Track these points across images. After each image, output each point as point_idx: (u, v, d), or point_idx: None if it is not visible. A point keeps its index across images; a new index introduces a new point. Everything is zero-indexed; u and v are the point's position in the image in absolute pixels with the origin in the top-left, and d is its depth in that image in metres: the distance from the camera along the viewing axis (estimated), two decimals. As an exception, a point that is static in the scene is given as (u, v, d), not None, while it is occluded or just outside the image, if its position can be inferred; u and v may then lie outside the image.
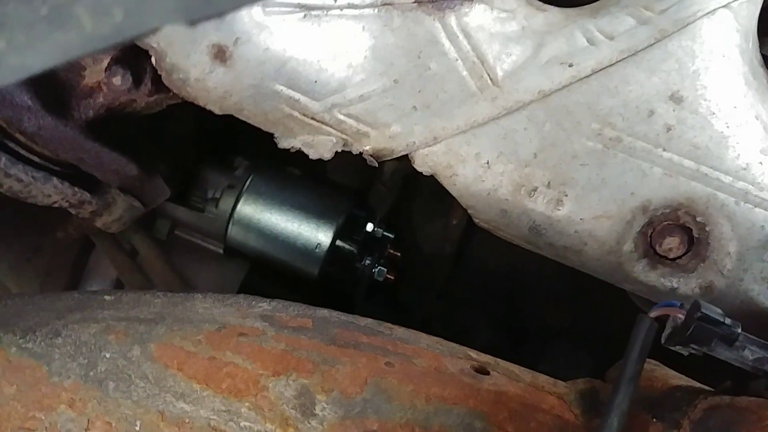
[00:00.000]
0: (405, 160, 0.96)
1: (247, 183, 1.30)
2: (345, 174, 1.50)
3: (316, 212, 1.31)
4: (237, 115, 0.92)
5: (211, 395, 0.73)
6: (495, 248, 1.49)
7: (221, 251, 1.35)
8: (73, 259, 1.26)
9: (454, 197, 0.97)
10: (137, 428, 0.72)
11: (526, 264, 1.49)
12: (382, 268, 1.37)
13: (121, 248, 1.22)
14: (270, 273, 1.36)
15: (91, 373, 0.73)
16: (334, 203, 1.34)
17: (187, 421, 0.73)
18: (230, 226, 1.30)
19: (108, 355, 0.74)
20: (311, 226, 1.30)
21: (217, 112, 0.91)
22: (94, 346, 0.74)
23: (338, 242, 1.31)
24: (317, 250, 1.30)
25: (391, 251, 1.42)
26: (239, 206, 1.29)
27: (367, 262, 1.37)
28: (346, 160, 1.47)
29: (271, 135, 0.95)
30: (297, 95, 0.90)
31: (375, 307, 1.53)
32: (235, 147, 1.38)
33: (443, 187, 0.97)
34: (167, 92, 0.90)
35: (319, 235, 1.30)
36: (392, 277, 1.40)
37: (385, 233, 1.39)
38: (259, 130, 0.96)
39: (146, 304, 0.81)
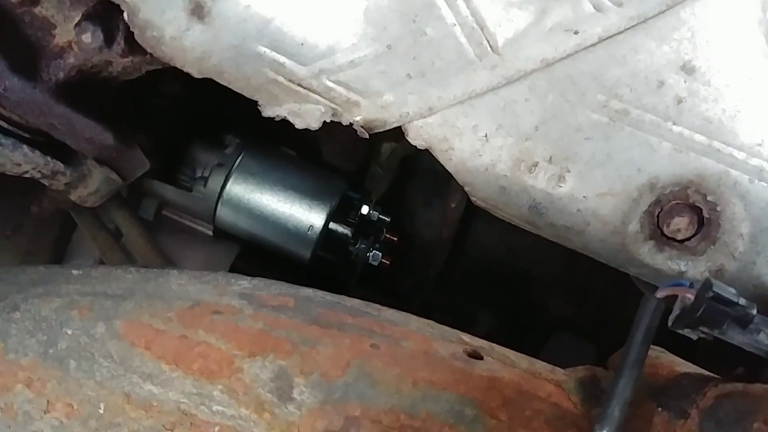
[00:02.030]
0: (403, 141, 0.91)
1: (238, 161, 1.27)
2: (341, 157, 1.45)
3: (309, 193, 1.27)
4: (217, 79, 0.87)
5: (181, 377, 0.68)
6: (496, 234, 1.46)
7: (211, 233, 1.31)
8: (55, 237, 1.21)
9: (452, 179, 0.93)
10: (101, 411, 0.67)
11: (528, 250, 1.45)
12: (378, 253, 1.34)
13: (103, 226, 1.17)
14: (261, 256, 1.33)
15: (51, 351, 0.68)
16: (328, 184, 1.30)
17: (155, 404, 0.68)
18: (219, 206, 1.26)
19: (70, 332, 0.69)
20: (303, 208, 1.27)
21: (196, 75, 0.86)
22: (55, 321, 0.69)
23: (332, 224, 1.28)
24: (309, 233, 1.27)
25: (388, 235, 1.39)
26: (228, 185, 1.26)
27: (362, 245, 1.33)
28: (342, 142, 1.44)
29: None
30: (282, 58, 0.85)
31: (370, 293, 1.48)
32: (228, 125, 1.34)
33: (442, 170, 0.92)
34: (143, 54, 0.85)
35: (312, 217, 1.27)
36: (388, 262, 1.36)
37: (381, 216, 1.35)
38: (253, 107, 0.91)
39: (116, 279, 0.76)
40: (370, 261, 1.34)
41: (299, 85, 0.86)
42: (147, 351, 0.69)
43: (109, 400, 0.67)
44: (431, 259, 1.47)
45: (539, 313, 1.50)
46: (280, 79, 0.86)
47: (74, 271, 0.77)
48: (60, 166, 0.90)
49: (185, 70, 0.85)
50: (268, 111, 0.89)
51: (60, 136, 0.89)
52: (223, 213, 1.26)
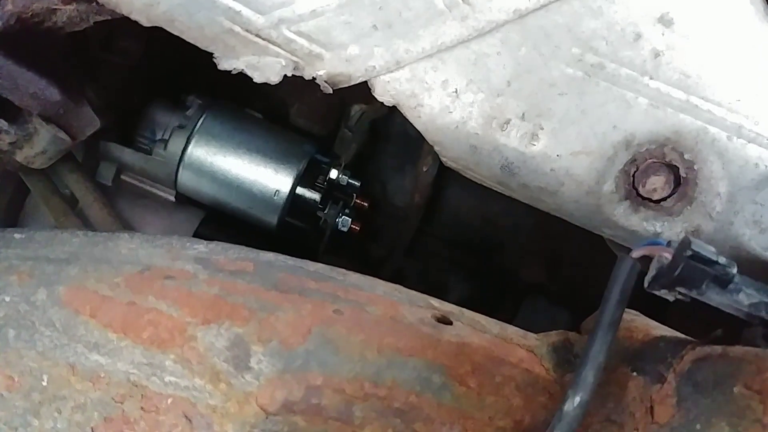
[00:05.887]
0: (373, 102, 0.87)
1: (199, 123, 1.22)
2: (309, 119, 1.40)
3: (275, 156, 1.23)
4: (168, 29, 0.81)
5: (130, 346, 0.64)
6: (468, 199, 1.42)
7: (172, 198, 1.26)
8: (6, 204, 1.15)
9: (424, 143, 0.88)
10: (44, 383, 0.63)
11: (501, 216, 1.42)
12: (347, 218, 1.31)
13: (56, 191, 1.11)
14: (226, 223, 1.28)
15: (-13, 320, 0.63)
16: (295, 147, 1.26)
17: (102, 375, 0.63)
18: (180, 170, 1.22)
19: (8, 299, 0.64)
20: (269, 171, 1.23)
21: (145, 23, 0.80)
22: (-8, 288, 0.65)
23: (299, 189, 1.25)
24: (276, 198, 1.23)
25: (358, 200, 1.36)
26: (190, 148, 1.21)
27: (331, 211, 1.30)
28: (311, 104, 1.39)
29: (229, 74, 0.85)
30: (238, 6, 0.79)
31: (340, 260, 1.45)
32: (192, 86, 1.28)
33: (414, 133, 0.88)
34: (88, 1, 0.79)
35: (278, 181, 1.23)
36: (358, 228, 1.32)
37: (350, 181, 1.32)
38: (216, 66, 0.85)
39: (61, 243, 0.71)
40: (339, 227, 1.30)
41: (257, 35, 0.81)
42: (92, 319, 0.64)
43: (53, 372, 0.63)
44: (403, 224, 1.44)
45: (513, 279, 1.48)
46: (237, 28, 0.80)
47: (16, 235, 0.72)
48: (3, 124, 0.84)
49: (132, 17, 0.79)
50: (225, 64, 0.83)
51: (1, 91, 0.83)
52: (185, 177, 1.22)
